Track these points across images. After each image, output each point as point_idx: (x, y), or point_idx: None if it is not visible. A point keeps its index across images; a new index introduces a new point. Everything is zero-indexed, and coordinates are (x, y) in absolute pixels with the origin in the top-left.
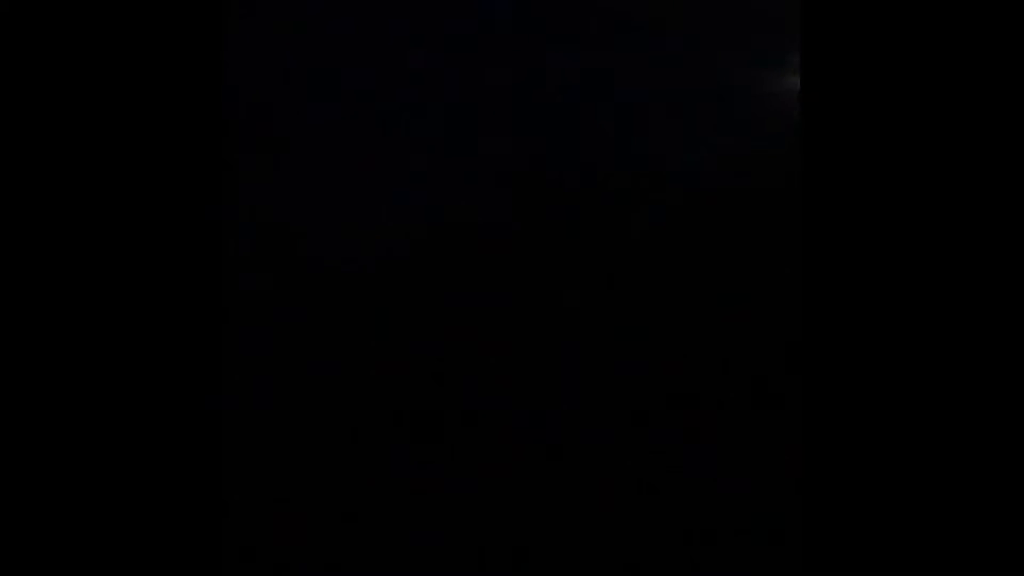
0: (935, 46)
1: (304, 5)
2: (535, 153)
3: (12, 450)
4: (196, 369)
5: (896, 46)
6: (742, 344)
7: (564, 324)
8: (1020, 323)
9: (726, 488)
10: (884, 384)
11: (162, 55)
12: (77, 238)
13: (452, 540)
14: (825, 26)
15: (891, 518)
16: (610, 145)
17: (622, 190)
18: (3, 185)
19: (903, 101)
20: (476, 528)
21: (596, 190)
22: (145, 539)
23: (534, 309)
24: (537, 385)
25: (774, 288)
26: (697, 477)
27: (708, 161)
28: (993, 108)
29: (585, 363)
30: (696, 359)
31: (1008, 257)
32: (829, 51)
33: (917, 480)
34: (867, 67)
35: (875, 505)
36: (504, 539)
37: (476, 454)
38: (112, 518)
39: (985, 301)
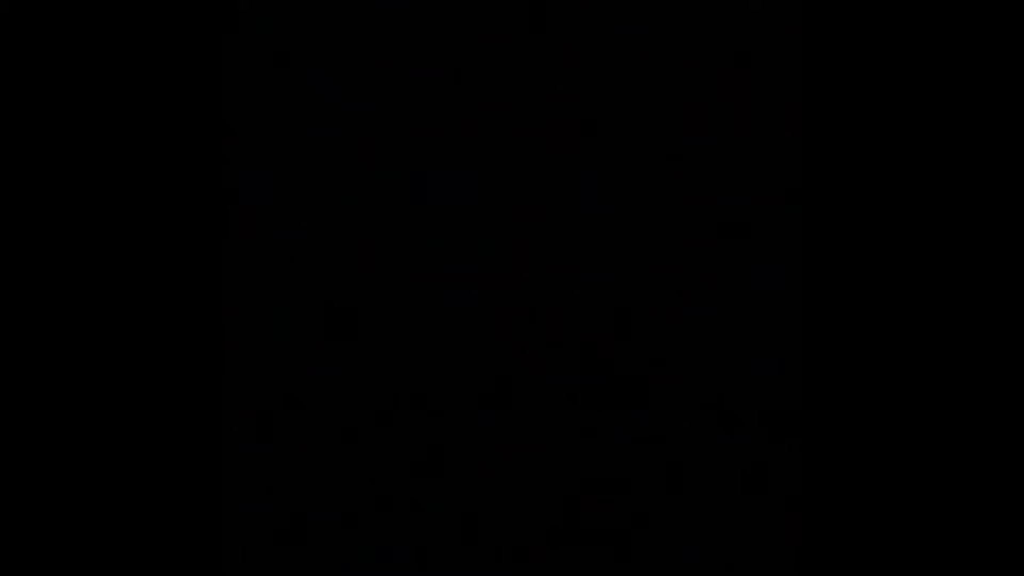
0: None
1: None
2: None
3: (11, 450)
4: (195, 368)
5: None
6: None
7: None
8: (1020, 324)
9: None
10: (884, 390)
11: (162, 54)
12: (76, 238)
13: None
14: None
15: (890, 526)
16: None
17: None
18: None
19: (902, 102)
20: (474, 526)
21: None
22: (145, 539)
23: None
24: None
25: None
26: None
27: None
28: (993, 109)
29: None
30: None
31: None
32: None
33: (916, 487)
34: (867, 68)
35: (874, 512)
36: (502, 539)
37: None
38: (112, 518)
39: (988, 311)
